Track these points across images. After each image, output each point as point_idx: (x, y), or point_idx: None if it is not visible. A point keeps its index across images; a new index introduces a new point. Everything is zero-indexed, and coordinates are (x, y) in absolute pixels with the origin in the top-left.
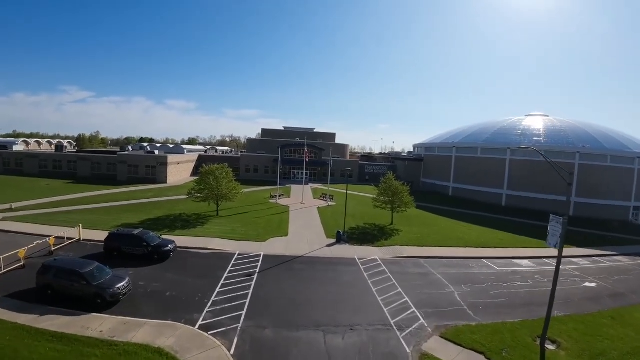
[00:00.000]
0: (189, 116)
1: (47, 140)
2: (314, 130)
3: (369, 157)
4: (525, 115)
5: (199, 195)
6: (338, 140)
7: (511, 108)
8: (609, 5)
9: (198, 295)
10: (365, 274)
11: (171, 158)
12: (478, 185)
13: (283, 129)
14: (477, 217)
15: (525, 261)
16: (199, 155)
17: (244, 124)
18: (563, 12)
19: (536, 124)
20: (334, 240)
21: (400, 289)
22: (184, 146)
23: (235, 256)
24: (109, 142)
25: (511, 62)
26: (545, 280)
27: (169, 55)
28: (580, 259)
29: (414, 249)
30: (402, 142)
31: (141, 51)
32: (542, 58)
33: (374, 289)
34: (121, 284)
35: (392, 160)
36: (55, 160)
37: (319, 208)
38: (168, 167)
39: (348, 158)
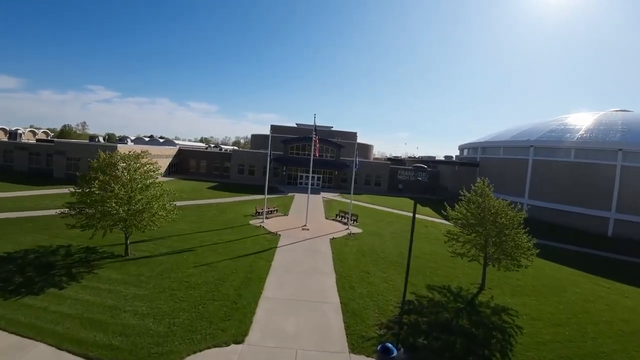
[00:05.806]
0: (210, 119)
1: (16, 128)
2: (332, 129)
3: (397, 160)
4: (605, 112)
5: (80, 215)
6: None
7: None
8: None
9: None
10: None
11: (124, 149)
12: (570, 203)
13: (296, 125)
14: (592, 258)
15: None
16: (179, 150)
17: (264, 127)
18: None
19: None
20: None
21: None
22: (179, 142)
23: None
24: (107, 138)
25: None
26: None
27: (193, 58)
28: None
29: None
30: (426, 149)
31: (167, 54)
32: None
33: None
34: None
35: (432, 164)
36: None
37: (333, 240)
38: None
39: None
